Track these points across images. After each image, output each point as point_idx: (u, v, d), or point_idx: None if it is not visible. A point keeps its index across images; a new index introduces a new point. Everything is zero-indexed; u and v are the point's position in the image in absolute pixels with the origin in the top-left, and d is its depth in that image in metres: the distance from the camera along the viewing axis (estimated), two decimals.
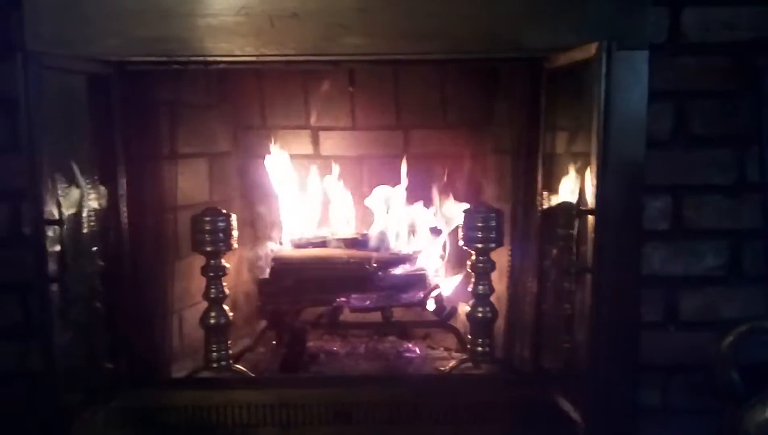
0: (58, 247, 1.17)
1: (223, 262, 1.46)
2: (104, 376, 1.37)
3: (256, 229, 1.87)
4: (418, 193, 1.78)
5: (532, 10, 1.22)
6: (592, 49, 1.09)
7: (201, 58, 1.28)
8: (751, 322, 1.10)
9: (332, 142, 1.86)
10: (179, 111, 1.59)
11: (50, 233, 1.15)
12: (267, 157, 1.79)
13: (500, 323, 1.54)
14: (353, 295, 1.65)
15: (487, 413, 1.29)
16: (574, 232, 1.19)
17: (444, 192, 1.77)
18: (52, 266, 1.15)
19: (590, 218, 1.13)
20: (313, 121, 1.83)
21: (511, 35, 1.22)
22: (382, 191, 1.76)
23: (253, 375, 1.51)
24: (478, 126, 1.76)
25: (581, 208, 1.18)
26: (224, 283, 1.48)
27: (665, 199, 1.36)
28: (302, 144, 1.87)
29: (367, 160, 1.86)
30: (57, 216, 1.16)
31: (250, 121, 1.85)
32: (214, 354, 1.46)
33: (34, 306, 1.35)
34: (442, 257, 1.75)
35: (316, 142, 1.89)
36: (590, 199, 1.14)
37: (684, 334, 1.38)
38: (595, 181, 1.10)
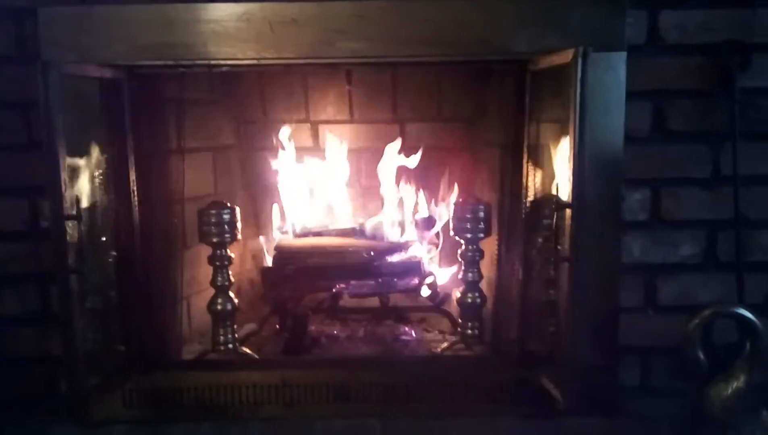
0: (76, 241, 1.25)
1: (229, 252, 1.55)
2: (119, 360, 1.46)
3: (258, 219, 1.96)
4: (413, 184, 1.86)
5: (517, 16, 1.27)
6: (569, 55, 1.16)
7: (205, 62, 1.34)
8: (715, 306, 1.18)
9: (331, 135, 1.94)
10: (185, 107, 1.65)
11: (69, 227, 1.23)
12: (269, 150, 1.87)
13: (490, 307, 1.63)
14: (352, 282, 1.72)
15: (476, 392, 1.36)
16: (554, 223, 1.26)
17: (438, 183, 1.85)
18: (71, 258, 1.24)
19: (568, 212, 1.21)
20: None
21: (499, 40, 1.28)
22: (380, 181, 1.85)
23: (257, 357, 1.59)
24: (470, 120, 1.84)
25: (560, 201, 1.25)
26: (230, 272, 1.56)
27: (644, 192, 1.42)
28: (302, 137, 1.94)
29: (365, 153, 1.93)
30: (75, 211, 1.24)
31: (252, 115, 1.93)
32: (221, 338, 1.55)
33: (53, 295, 1.43)
34: (436, 246, 1.83)
35: (315, 135, 1.97)
36: (569, 195, 1.21)
37: (662, 317, 1.45)
38: (571, 178, 1.17)
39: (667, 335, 1.39)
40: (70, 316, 1.25)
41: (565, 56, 1.18)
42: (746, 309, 1.16)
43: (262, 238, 1.87)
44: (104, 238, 1.43)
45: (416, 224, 1.82)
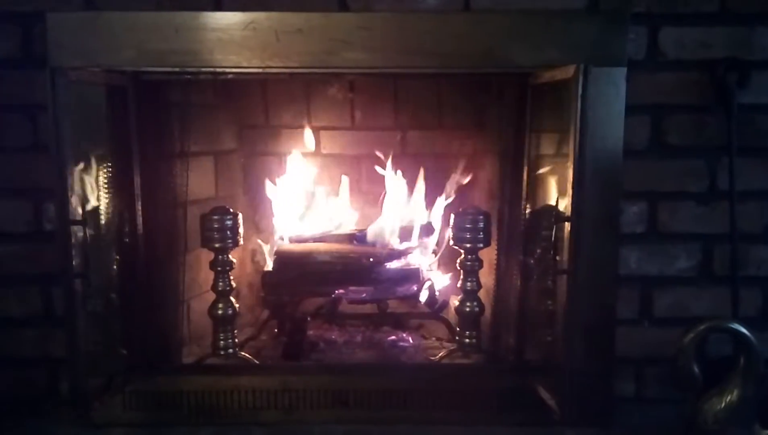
0: (81, 245, 1.27)
1: (230, 257, 1.56)
2: (120, 363, 1.48)
3: (258, 223, 1.97)
4: (415, 191, 1.87)
5: (519, 30, 1.29)
6: (570, 70, 1.18)
7: (211, 69, 1.35)
8: (710, 321, 1.19)
9: (333, 141, 1.96)
10: (189, 111, 1.66)
11: (74, 232, 1.25)
12: (270, 154, 1.88)
13: (487, 316, 1.65)
14: (351, 288, 1.73)
15: (472, 400, 1.38)
16: (553, 235, 1.28)
17: (438, 191, 1.87)
18: (75, 262, 1.25)
19: (567, 225, 1.23)
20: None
21: (500, 53, 1.28)
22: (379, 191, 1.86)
23: (257, 362, 1.60)
24: (470, 129, 1.84)
25: (559, 213, 1.27)
26: (231, 277, 1.58)
27: (642, 205, 1.44)
28: (304, 142, 1.96)
29: (366, 159, 1.94)
30: (81, 216, 1.26)
31: (254, 120, 1.94)
32: (222, 342, 1.56)
33: (56, 296, 1.44)
34: (435, 253, 1.85)
35: (317, 140, 1.98)
36: (568, 208, 1.23)
37: (657, 329, 1.47)
38: (571, 192, 1.19)
39: (662, 347, 1.41)
40: (74, 318, 1.27)
41: (567, 71, 1.20)
42: (740, 324, 1.18)
43: (262, 243, 1.88)
44: (108, 242, 1.44)
45: (416, 232, 1.83)
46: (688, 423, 1.22)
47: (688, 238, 1.46)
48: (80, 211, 1.26)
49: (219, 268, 1.55)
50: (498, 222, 1.61)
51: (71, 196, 1.23)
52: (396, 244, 1.80)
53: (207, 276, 1.61)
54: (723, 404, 1.17)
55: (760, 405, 1.19)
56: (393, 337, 1.83)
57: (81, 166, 1.31)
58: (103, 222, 1.43)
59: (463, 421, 1.35)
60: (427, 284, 1.78)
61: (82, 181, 1.31)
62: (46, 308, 1.47)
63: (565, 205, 1.29)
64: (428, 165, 1.85)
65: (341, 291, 1.74)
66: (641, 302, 1.48)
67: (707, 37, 1.39)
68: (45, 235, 1.43)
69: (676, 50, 1.39)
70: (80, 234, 1.27)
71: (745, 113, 1.40)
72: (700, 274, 1.47)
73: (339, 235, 1.84)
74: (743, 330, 1.16)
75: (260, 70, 1.35)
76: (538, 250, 1.47)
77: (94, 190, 1.38)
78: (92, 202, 1.37)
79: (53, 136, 1.20)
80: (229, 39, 1.31)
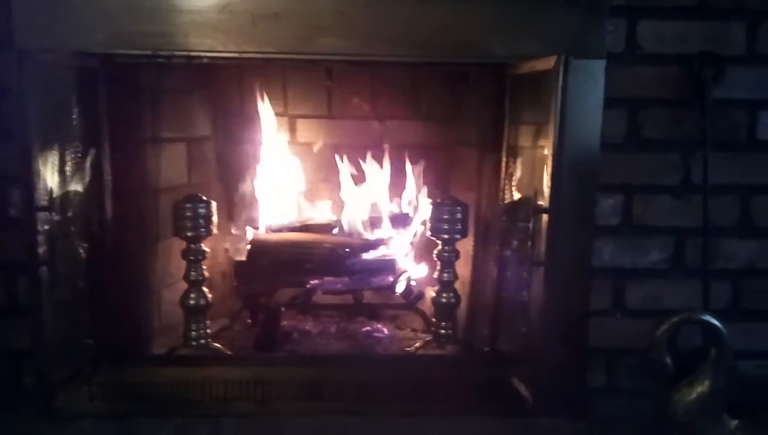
0: (47, 232, 1.23)
1: (203, 246, 1.53)
2: (87, 354, 1.44)
3: (232, 212, 1.94)
4: (391, 181, 1.86)
5: (498, 21, 1.28)
6: (551, 61, 1.17)
7: (184, 53, 1.31)
8: (682, 313, 1.21)
9: (309, 130, 1.93)
10: (161, 96, 1.63)
11: (40, 218, 1.21)
12: (245, 142, 1.85)
13: (463, 307, 1.65)
14: (326, 278, 1.72)
15: (447, 391, 1.38)
16: (531, 227, 1.28)
17: (415, 181, 1.86)
18: (41, 249, 1.21)
19: (544, 216, 1.23)
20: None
21: (479, 44, 1.28)
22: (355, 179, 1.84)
23: (230, 353, 1.58)
24: (448, 119, 1.84)
25: (537, 205, 1.27)
26: (204, 266, 1.55)
27: (617, 197, 1.43)
28: (279, 130, 1.93)
29: (343, 148, 1.92)
30: (47, 202, 1.22)
31: (229, 106, 1.91)
32: (193, 333, 1.53)
33: (20, 286, 1.40)
34: (411, 244, 1.84)
35: (293, 129, 1.95)
36: (545, 200, 1.23)
37: (630, 321, 1.47)
38: (549, 184, 1.19)
39: (634, 338, 1.42)
40: (39, 308, 1.23)
41: (546, 63, 1.20)
42: (712, 316, 1.19)
43: (235, 232, 1.85)
44: (76, 229, 1.40)
45: (392, 222, 1.82)
46: (659, 413, 1.23)
47: (662, 231, 1.46)
48: (46, 197, 1.22)
49: (191, 258, 1.52)
50: (475, 213, 1.61)
51: (37, 182, 1.19)
52: (371, 234, 1.79)
53: (179, 265, 1.58)
54: (694, 395, 1.19)
55: (730, 395, 1.21)
56: (368, 328, 1.82)
57: (48, 150, 1.26)
58: (70, 209, 1.38)
59: (438, 412, 1.35)
60: (402, 275, 1.77)
61: (48, 166, 1.26)
62: (11, 297, 1.42)
63: (542, 197, 1.29)
64: (405, 155, 1.84)
65: (316, 281, 1.72)
66: (614, 294, 1.48)
67: (685, 31, 1.39)
68: (10, 222, 1.38)
69: (654, 44, 1.39)
70: (46, 221, 1.23)
71: (720, 108, 1.41)
72: (672, 266, 1.47)
73: (314, 225, 1.83)
74: (714, 322, 1.18)
75: (236, 55, 1.32)
76: (515, 242, 1.47)
77: (61, 176, 1.33)
78: (59, 189, 1.32)
79: (18, 118, 1.15)
80: (204, 22, 1.28)
